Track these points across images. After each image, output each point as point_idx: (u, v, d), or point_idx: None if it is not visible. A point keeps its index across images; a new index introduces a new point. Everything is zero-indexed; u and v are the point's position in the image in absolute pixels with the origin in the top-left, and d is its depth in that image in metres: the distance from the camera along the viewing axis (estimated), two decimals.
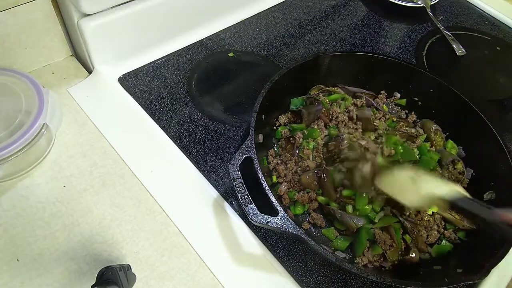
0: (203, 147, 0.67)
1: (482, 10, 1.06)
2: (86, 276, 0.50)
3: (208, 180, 0.62)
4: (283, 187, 0.60)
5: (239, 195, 0.50)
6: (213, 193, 0.61)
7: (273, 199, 0.51)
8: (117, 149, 0.63)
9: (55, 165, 0.59)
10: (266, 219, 0.49)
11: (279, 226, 0.49)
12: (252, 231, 0.58)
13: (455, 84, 0.67)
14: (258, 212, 0.49)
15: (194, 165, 0.63)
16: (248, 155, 0.53)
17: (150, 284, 0.51)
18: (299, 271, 0.56)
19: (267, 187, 0.52)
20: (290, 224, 0.49)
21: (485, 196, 0.61)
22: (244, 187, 0.51)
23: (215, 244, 0.56)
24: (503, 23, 1.03)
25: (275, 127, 0.68)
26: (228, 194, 0.61)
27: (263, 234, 0.58)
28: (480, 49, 0.95)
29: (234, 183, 0.51)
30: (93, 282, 0.40)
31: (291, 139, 0.65)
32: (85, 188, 0.58)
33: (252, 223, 0.50)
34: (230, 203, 0.60)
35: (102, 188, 0.58)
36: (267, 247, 0.57)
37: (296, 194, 0.59)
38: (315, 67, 0.69)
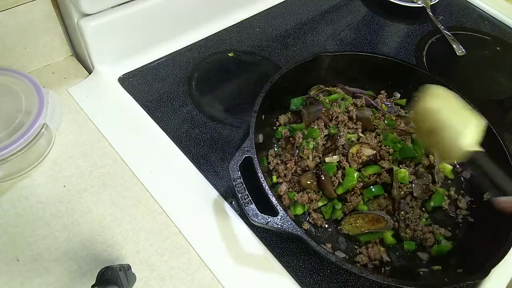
0: (203, 147, 0.67)
1: (482, 10, 1.06)
2: (86, 276, 0.50)
3: (208, 180, 0.62)
4: (283, 187, 0.60)
5: (239, 195, 0.50)
6: (213, 193, 0.61)
7: (273, 199, 0.51)
8: (117, 149, 0.63)
9: (55, 165, 0.59)
10: (266, 219, 0.49)
11: (279, 226, 0.49)
12: (252, 231, 0.58)
13: (455, 84, 0.67)
14: (258, 212, 0.49)
15: (194, 165, 0.63)
16: (248, 155, 0.53)
17: (150, 284, 0.51)
18: (299, 271, 0.56)
19: (267, 187, 0.52)
20: (290, 224, 0.49)
21: (485, 196, 0.61)
22: (244, 187, 0.51)
23: (215, 244, 0.56)
24: (503, 23, 1.03)
25: (275, 127, 0.68)
26: (228, 194, 0.61)
27: (263, 234, 0.58)
28: (480, 49, 0.95)
29: (234, 183, 0.51)
30: (93, 282, 0.40)
31: (291, 139, 0.65)
32: (85, 188, 0.58)
33: (252, 223, 0.50)
34: (230, 203, 0.60)
35: (102, 188, 0.58)
36: (267, 247, 0.57)
37: (296, 194, 0.59)
38: (315, 67, 0.69)
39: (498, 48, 0.96)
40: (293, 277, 0.55)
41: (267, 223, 0.49)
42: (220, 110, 0.73)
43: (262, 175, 0.52)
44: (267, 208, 0.50)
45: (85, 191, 0.57)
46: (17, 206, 0.55)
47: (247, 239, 0.57)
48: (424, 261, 0.57)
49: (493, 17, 1.05)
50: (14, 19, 0.62)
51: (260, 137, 0.62)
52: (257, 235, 0.57)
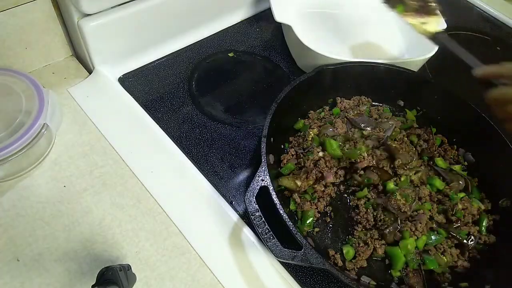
0: (203, 147, 0.67)
1: (482, 10, 1.06)
2: (86, 276, 0.50)
3: (208, 180, 0.62)
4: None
5: (259, 229, 0.48)
6: (213, 193, 0.61)
7: (298, 236, 0.49)
8: (117, 149, 0.63)
9: (55, 165, 0.59)
10: (291, 255, 0.47)
11: (305, 260, 0.48)
12: (252, 230, 0.58)
13: (456, 85, 0.67)
14: (282, 248, 0.47)
15: (194, 165, 0.63)
16: (264, 184, 0.52)
17: (150, 284, 0.51)
18: (300, 270, 0.56)
19: (290, 222, 0.50)
20: (316, 258, 0.48)
21: (500, 203, 0.61)
22: (263, 221, 0.49)
23: (215, 244, 0.56)
24: (503, 23, 1.03)
25: (282, 165, 0.64)
26: (228, 194, 0.61)
27: None
28: (480, 49, 0.95)
29: (251, 217, 0.49)
30: (93, 282, 0.40)
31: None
32: (85, 188, 0.58)
33: (278, 260, 0.49)
34: (230, 203, 0.60)
35: (102, 188, 0.58)
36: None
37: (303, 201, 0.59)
38: (318, 82, 0.68)
39: (498, 48, 0.96)
40: (293, 276, 0.55)
41: (293, 258, 0.47)
42: (220, 110, 0.73)
43: (282, 208, 0.50)
44: (283, 234, 0.49)
45: (85, 191, 0.58)
46: (17, 206, 0.55)
47: (246, 238, 0.57)
48: (449, 278, 0.56)
49: (493, 17, 1.05)
50: (14, 19, 0.62)
51: (271, 158, 0.61)
52: (256, 235, 0.57)
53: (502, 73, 0.51)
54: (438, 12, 0.66)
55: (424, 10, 0.65)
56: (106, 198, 0.57)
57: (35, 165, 0.58)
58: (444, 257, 0.57)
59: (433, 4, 0.66)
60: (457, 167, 0.66)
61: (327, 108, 0.73)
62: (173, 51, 0.80)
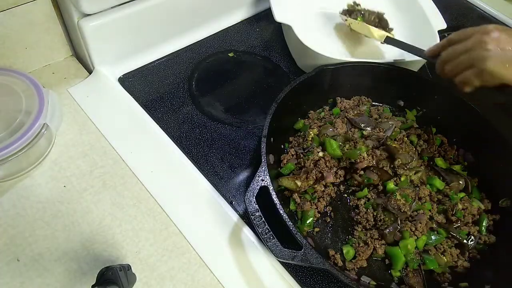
0: (203, 147, 0.67)
1: (482, 10, 1.06)
2: (86, 276, 0.50)
3: (208, 180, 0.62)
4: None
5: (259, 229, 0.48)
6: (213, 193, 0.61)
7: (298, 236, 0.49)
8: (117, 149, 0.63)
9: (55, 165, 0.59)
10: (291, 255, 0.47)
11: (305, 261, 0.48)
12: (252, 230, 0.58)
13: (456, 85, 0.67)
14: (282, 248, 0.47)
15: (194, 165, 0.64)
16: (264, 184, 0.52)
17: (150, 284, 0.51)
18: (300, 270, 0.56)
19: (290, 222, 0.50)
20: (316, 258, 0.48)
21: (500, 203, 0.61)
22: (263, 221, 0.49)
23: (215, 244, 0.56)
24: (503, 23, 1.03)
25: (282, 165, 0.64)
26: (228, 194, 0.61)
27: None
28: None
29: (252, 217, 0.49)
30: (93, 282, 0.40)
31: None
32: (85, 188, 0.58)
33: (278, 260, 0.49)
34: (230, 203, 0.60)
35: (102, 188, 0.58)
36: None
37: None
38: (318, 82, 0.68)
39: None
40: (293, 277, 0.55)
41: (293, 258, 0.47)
42: (220, 110, 0.73)
43: (282, 208, 0.50)
44: (283, 234, 0.49)
45: (85, 191, 0.58)
46: (17, 206, 0.55)
47: (246, 238, 0.57)
48: (449, 278, 0.56)
49: (493, 17, 1.05)
50: (14, 19, 0.62)
51: (271, 158, 0.61)
52: (256, 235, 0.57)
53: (445, 43, 0.59)
54: (393, 33, 0.76)
55: (380, 27, 0.76)
56: (106, 198, 0.57)
57: (35, 165, 0.58)
58: (444, 257, 0.57)
59: (389, 24, 0.78)
60: (457, 167, 0.66)
61: (327, 108, 0.73)
62: (173, 51, 0.80)
